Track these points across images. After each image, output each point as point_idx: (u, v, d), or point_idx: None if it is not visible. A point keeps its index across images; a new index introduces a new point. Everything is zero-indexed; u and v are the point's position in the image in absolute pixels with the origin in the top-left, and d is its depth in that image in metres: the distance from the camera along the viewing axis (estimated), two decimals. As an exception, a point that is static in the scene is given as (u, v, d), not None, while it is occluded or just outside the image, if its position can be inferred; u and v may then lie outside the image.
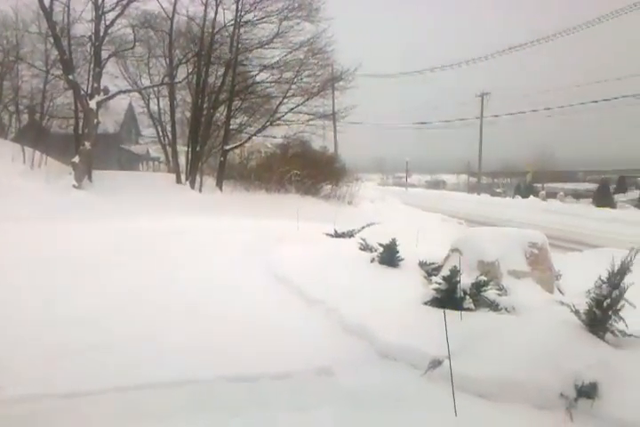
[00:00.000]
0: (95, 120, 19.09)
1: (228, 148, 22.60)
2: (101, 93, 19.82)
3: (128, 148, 34.37)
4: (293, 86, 23.17)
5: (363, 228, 10.21)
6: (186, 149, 23.49)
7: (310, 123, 24.47)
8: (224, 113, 23.01)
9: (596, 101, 24.25)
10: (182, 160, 23.54)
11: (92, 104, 18.91)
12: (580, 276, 8.17)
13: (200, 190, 21.17)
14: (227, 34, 22.27)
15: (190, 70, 22.76)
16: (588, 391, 3.32)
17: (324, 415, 3.43)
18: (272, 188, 22.63)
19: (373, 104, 51.20)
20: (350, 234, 9.83)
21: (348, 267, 7.18)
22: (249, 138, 23.74)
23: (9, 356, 4.35)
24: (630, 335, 3.81)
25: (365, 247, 8.16)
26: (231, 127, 23.37)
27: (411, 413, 3.40)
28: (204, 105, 22.09)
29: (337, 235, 9.87)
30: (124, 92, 23.68)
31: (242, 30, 22.27)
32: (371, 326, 4.86)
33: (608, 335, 3.88)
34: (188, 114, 24.41)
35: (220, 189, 21.90)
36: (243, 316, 5.51)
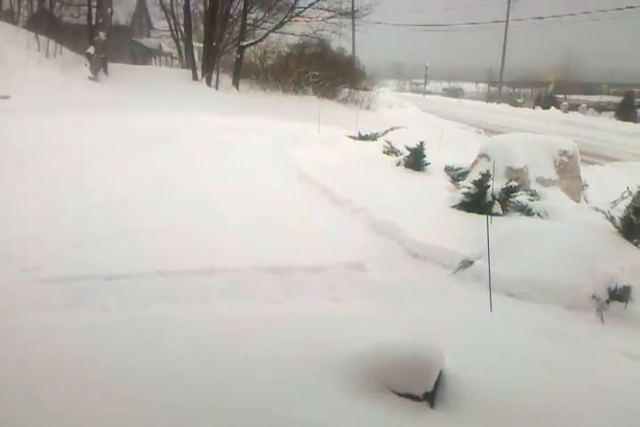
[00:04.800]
0: (109, 9, 18.13)
1: (244, 44, 21.67)
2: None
3: (140, 41, 32.90)
4: (313, -22, 21.74)
5: (386, 131, 10.03)
6: (199, 45, 22.48)
7: (330, 21, 23.24)
8: (239, 7, 21.78)
9: (632, 7, 22.28)
10: (195, 56, 22.66)
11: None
12: (603, 188, 8.14)
13: (217, 88, 20.61)
14: None
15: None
16: (620, 295, 3.40)
17: (359, 307, 3.54)
18: (289, 88, 21.97)
19: (392, 3, 47.98)
20: (374, 137, 9.67)
21: (374, 169, 7.14)
22: (267, 34, 22.68)
23: (36, 239, 4.38)
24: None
25: (391, 150, 8.06)
26: (247, 22, 22.22)
27: (446, 307, 3.52)
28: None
29: (360, 137, 9.71)
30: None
31: None
32: (400, 225, 4.90)
33: (642, 243, 3.90)
34: (202, 7, 23.13)
35: (237, 87, 21.28)
36: (272, 212, 5.48)
